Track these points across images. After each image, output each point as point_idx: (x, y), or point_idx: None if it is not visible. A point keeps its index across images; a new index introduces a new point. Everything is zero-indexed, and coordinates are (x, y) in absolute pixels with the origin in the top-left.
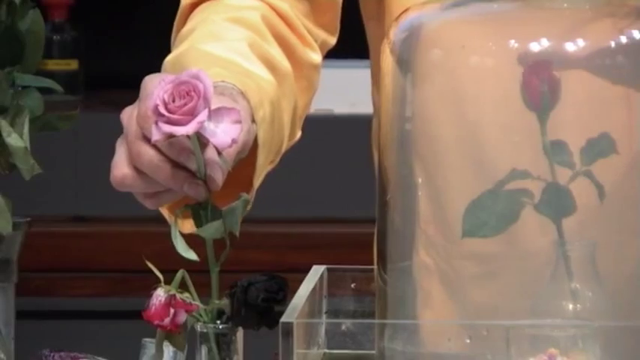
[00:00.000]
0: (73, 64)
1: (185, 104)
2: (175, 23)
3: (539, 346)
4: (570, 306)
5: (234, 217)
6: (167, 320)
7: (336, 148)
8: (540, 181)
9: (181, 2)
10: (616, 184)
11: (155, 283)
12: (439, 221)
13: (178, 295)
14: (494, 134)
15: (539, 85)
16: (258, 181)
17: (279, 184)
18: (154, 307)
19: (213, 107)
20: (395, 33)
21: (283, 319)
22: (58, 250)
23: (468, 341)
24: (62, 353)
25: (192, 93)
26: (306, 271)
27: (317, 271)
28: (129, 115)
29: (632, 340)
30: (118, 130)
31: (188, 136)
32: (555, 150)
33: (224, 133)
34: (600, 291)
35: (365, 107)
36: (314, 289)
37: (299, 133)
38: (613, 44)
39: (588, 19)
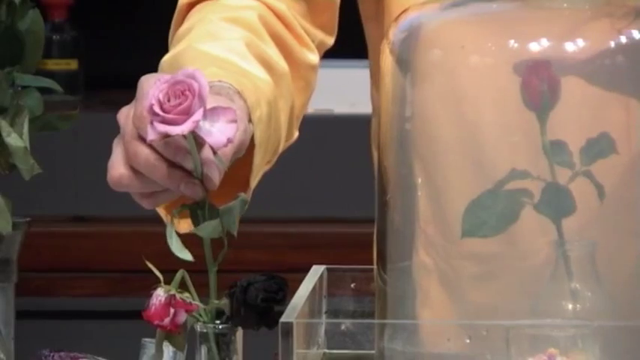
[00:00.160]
0: (72, 64)
1: (180, 104)
2: (173, 23)
3: (539, 346)
4: (570, 306)
5: (232, 217)
6: (167, 320)
7: (336, 148)
8: (540, 181)
9: (179, 2)
10: (616, 184)
11: (155, 283)
12: (439, 221)
13: (178, 295)
14: (493, 134)
15: (539, 84)
16: (254, 181)
17: (279, 183)
18: (153, 307)
19: (209, 107)
20: (394, 33)
21: (283, 319)
22: (58, 250)
23: (468, 341)
24: (62, 353)
25: (188, 92)
26: (306, 271)
27: (317, 271)
28: (125, 115)
29: (632, 340)
30: (118, 130)
31: (184, 136)
32: (555, 150)
33: (220, 133)
34: (600, 291)
35: (365, 107)
36: (314, 289)
37: (296, 134)
38: (612, 44)
39: (588, 19)
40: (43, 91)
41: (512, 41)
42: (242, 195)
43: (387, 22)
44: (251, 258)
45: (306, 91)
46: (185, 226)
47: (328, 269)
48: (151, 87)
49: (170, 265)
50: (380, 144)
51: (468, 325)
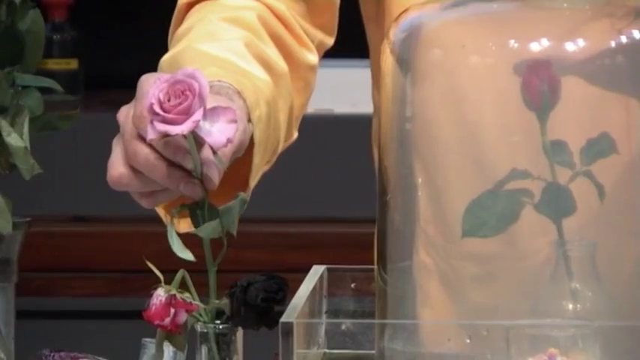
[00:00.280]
0: (72, 64)
1: (180, 103)
2: (172, 23)
3: (539, 346)
4: (570, 306)
5: (231, 217)
6: (167, 320)
7: (337, 148)
8: (540, 181)
9: (178, 2)
10: (616, 184)
11: (155, 283)
12: (439, 221)
13: (179, 295)
14: (494, 134)
15: (539, 84)
16: (254, 181)
17: (279, 183)
18: (154, 307)
19: (208, 106)
20: (395, 33)
21: (283, 319)
22: (58, 250)
23: (468, 341)
24: (62, 353)
25: (188, 92)
26: (306, 271)
27: (317, 271)
28: (125, 115)
29: (632, 340)
30: (118, 130)
31: (184, 136)
32: (555, 150)
33: (219, 133)
34: (600, 291)
35: (365, 107)
36: (314, 289)
37: (296, 134)
38: (613, 44)
39: (588, 19)
40: (44, 90)
41: (512, 41)
42: (241, 195)
43: (388, 23)
44: (251, 258)
45: (306, 92)
46: (185, 225)
47: (328, 269)
48: (151, 86)
49: (170, 265)
50: (380, 144)
51: (468, 325)
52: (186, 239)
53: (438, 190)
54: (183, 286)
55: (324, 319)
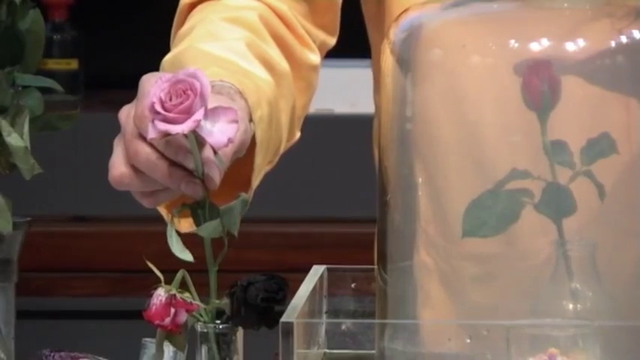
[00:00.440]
0: (73, 64)
1: (181, 103)
2: (174, 23)
3: (540, 345)
4: (570, 306)
5: (233, 217)
6: (167, 320)
7: (337, 148)
8: (540, 181)
9: (180, 2)
10: (616, 184)
11: (155, 283)
12: (439, 221)
13: (179, 295)
14: (494, 134)
15: (540, 84)
16: (256, 181)
17: (280, 183)
18: (154, 307)
19: (210, 106)
20: (395, 33)
21: (283, 318)
22: (58, 250)
23: (468, 341)
24: (62, 353)
25: (189, 92)
26: (306, 270)
27: (317, 271)
28: (126, 114)
29: (633, 340)
30: (118, 129)
31: (185, 135)
32: (555, 150)
33: (220, 133)
34: (600, 291)
35: (365, 107)
36: (314, 288)
37: (298, 134)
38: (613, 44)
39: (588, 19)
40: (44, 90)
41: (512, 41)
42: (243, 195)
43: (388, 22)
44: (251, 258)
45: (308, 92)
46: (186, 225)
47: (329, 269)
48: (153, 86)
49: (170, 264)
50: (380, 144)
51: (468, 325)
52: (187, 239)
53: (438, 190)
54: (183, 286)
55: (324, 319)
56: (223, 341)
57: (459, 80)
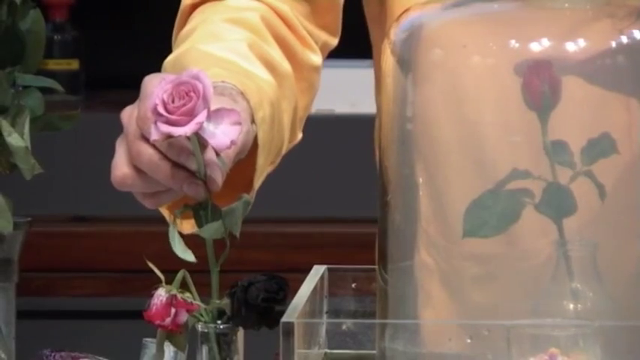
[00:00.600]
0: (73, 64)
1: (184, 105)
2: (176, 24)
3: (540, 345)
4: (571, 306)
5: (234, 218)
6: (168, 320)
7: (337, 148)
8: (541, 181)
9: (182, 3)
10: (617, 184)
11: (156, 283)
12: (440, 221)
13: (179, 295)
14: (494, 134)
15: (540, 84)
16: (258, 182)
17: (280, 184)
18: (155, 307)
19: (212, 108)
20: (395, 33)
21: (284, 319)
22: (58, 250)
23: (469, 341)
24: (63, 353)
25: (192, 93)
26: (307, 271)
27: (318, 271)
28: (129, 115)
29: (633, 340)
30: (119, 130)
31: (188, 137)
32: (556, 150)
33: (223, 135)
34: (601, 291)
35: (366, 107)
36: (315, 289)
37: (300, 135)
38: (614, 44)
39: (589, 19)
40: (44, 91)
41: (513, 41)
42: (245, 196)
43: (389, 23)
44: (252, 258)
45: (310, 93)
46: (188, 226)
47: (329, 269)
48: (155, 87)
49: (171, 264)
50: (381, 144)
51: (469, 325)
52: (188, 239)
53: (438, 190)
54: (183, 286)
55: (324, 319)
56: (224, 341)
57: (460, 80)
